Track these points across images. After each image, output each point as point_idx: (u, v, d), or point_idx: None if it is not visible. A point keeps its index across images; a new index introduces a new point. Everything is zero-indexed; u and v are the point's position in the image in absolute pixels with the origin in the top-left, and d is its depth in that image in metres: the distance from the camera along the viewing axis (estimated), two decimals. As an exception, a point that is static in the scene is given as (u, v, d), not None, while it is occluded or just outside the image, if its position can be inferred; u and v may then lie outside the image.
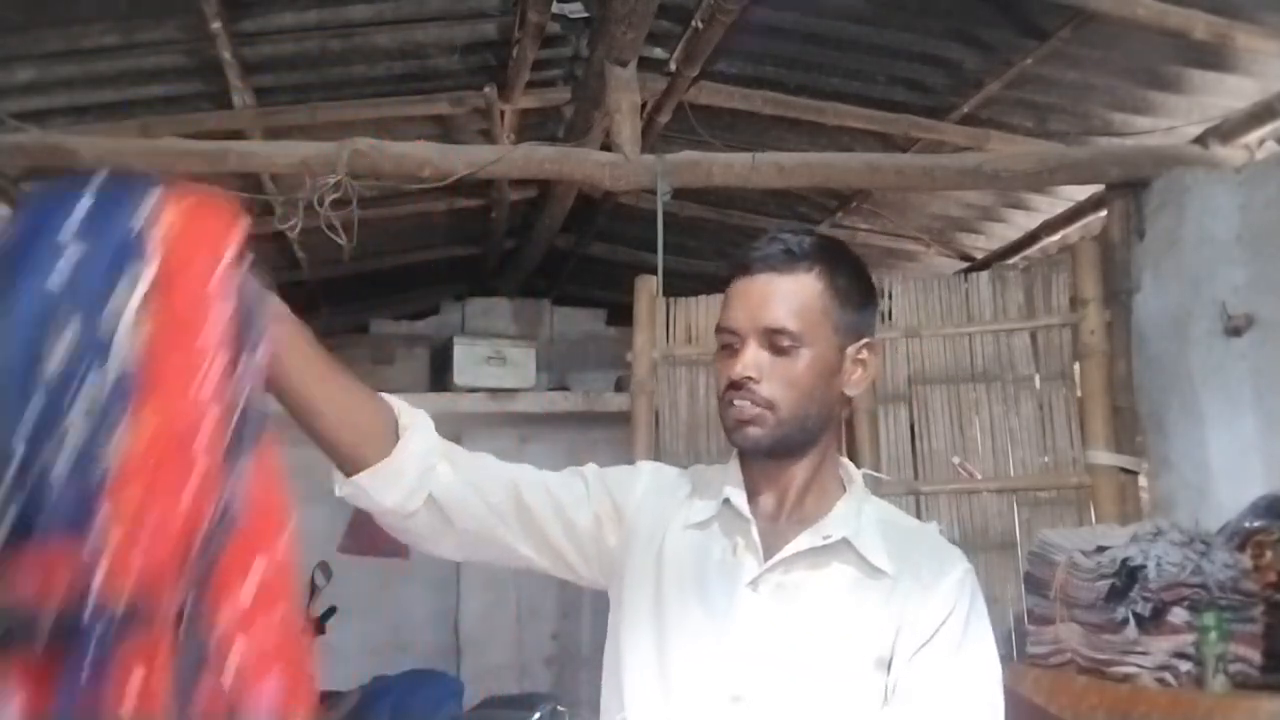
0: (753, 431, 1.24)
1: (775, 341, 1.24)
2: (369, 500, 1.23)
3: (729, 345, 1.27)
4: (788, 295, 1.25)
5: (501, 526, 1.33)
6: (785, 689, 1.20)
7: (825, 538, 1.25)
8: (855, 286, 1.29)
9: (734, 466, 1.34)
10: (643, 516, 1.34)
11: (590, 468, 1.40)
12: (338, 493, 1.24)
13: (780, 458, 1.28)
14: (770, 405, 1.23)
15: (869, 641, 1.21)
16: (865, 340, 1.30)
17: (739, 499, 1.29)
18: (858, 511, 1.28)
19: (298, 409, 1.16)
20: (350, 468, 1.22)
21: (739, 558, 1.27)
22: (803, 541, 1.25)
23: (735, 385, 1.24)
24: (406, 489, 1.24)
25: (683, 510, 1.33)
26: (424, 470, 1.26)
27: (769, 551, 1.26)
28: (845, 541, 1.25)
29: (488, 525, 1.32)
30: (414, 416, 1.27)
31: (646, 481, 1.38)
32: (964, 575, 1.26)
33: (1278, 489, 2.53)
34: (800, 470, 1.29)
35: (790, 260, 1.26)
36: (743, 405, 1.24)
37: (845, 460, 1.36)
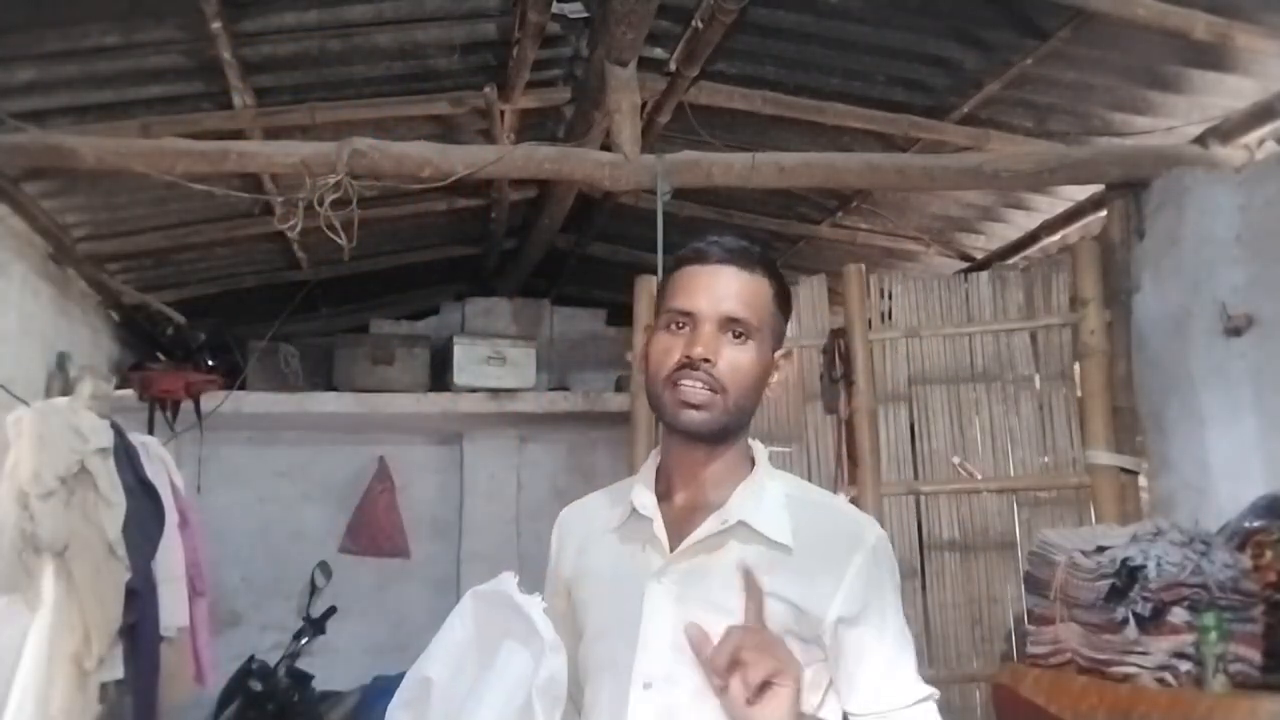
0: (700, 415, 1.30)
1: (732, 330, 1.31)
2: None
3: (678, 327, 1.33)
4: (746, 290, 1.33)
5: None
6: (690, 671, 1.25)
7: (724, 522, 1.32)
8: (786, 298, 1.39)
9: (648, 468, 1.42)
10: (565, 562, 1.46)
11: (546, 587, 1.48)
12: None
13: (711, 445, 1.34)
14: (723, 389, 1.30)
15: (774, 614, 1.26)
16: (785, 350, 1.40)
17: (642, 501, 1.37)
18: (759, 491, 1.35)
19: None
20: None
21: (646, 554, 1.34)
22: (702, 530, 1.32)
23: (690, 365, 1.29)
24: None
25: (599, 523, 1.42)
26: None
27: (675, 543, 1.33)
28: (743, 523, 1.31)
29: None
30: None
31: (558, 535, 1.50)
32: (871, 548, 1.32)
33: (1278, 489, 2.53)
34: (718, 459, 1.36)
35: (750, 260, 1.34)
36: (694, 386, 1.30)
37: (754, 442, 1.42)
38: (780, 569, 1.28)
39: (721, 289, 1.32)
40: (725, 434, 1.34)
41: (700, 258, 1.34)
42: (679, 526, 1.34)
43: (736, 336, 1.31)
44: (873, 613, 1.29)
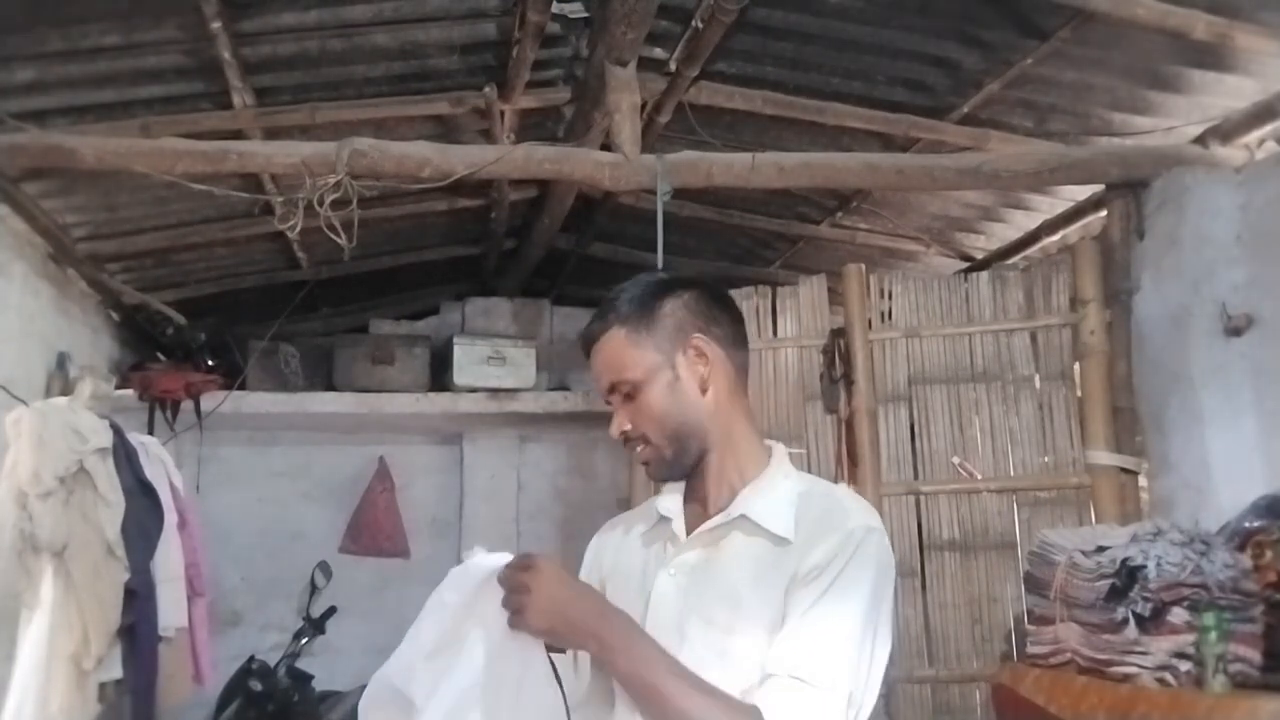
0: (654, 470, 1.44)
1: (621, 394, 1.41)
2: None
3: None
4: (604, 355, 1.42)
5: None
6: (695, 656, 1.30)
7: (726, 516, 1.38)
8: (640, 311, 1.42)
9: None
10: (603, 563, 1.52)
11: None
12: None
13: (680, 479, 1.45)
14: (649, 442, 1.41)
15: (768, 603, 1.30)
16: (691, 339, 1.41)
17: (666, 505, 1.45)
18: (768, 488, 1.39)
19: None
20: None
21: (665, 550, 1.42)
22: (707, 524, 1.39)
23: (623, 440, 1.44)
24: None
25: (633, 531, 1.51)
26: None
27: None
28: (745, 517, 1.37)
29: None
30: None
31: (597, 544, 1.57)
32: (852, 530, 1.32)
33: (1278, 489, 2.53)
34: (708, 470, 1.42)
35: (596, 328, 1.43)
36: (635, 453, 1.44)
37: (771, 443, 1.48)
38: (781, 560, 1.33)
39: (596, 370, 1.44)
40: (685, 463, 1.42)
41: (584, 350, 1.47)
42: (696, 526, 1.42)
43: (628, 396, 1.40)
44: (819, 582, 1.28)
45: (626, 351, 1.40)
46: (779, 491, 1.39)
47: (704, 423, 1.40)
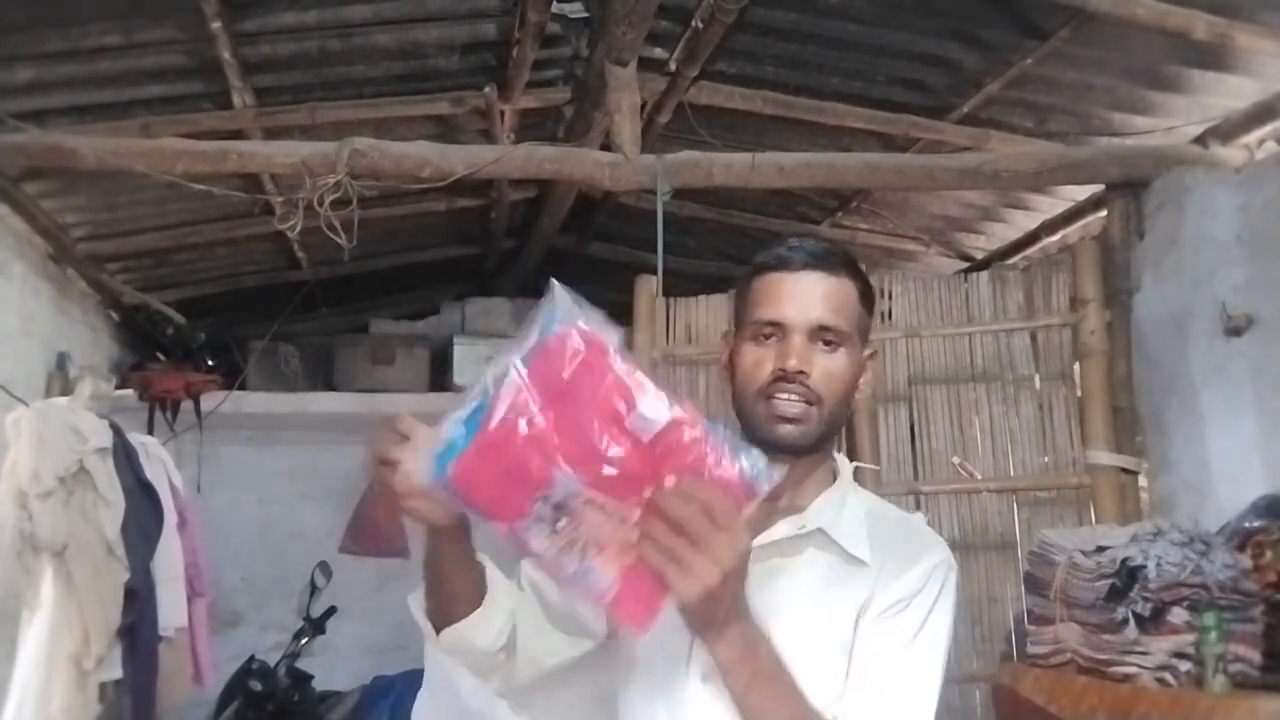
0: (795, 429, 1.26)
1: (822, 339, 1.27)
2: (468, 645, 1.29)
3: (766, 338, 1.28)
4: (833, 295, 1.29)
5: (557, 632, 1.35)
6: None
7: (801, 527, 1.28)
8: (870, 296, 1.35)
9: None
10: None
11: None
12: (438, 644, 1.32)
13: (801, 455, 1.29)
14: (818, 401, 1.27)
15: (837, 626, 1.23)
16: (872, 349, 1.36)
17: None
18: (841, 503, 1.31)
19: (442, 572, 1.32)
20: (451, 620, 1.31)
21: None
22: (778, 531, 1.28)
23: (784, 378, 1.25)
24: (497, 629, 1.29)
25: None
26: (508, 614, 1.32)
27: None
28: (822, 531, 1.27)
29: (550, 639, 1.35)
30: (494, 572, 1.33)
31: None
32: (937, 564, 1.28)
33: (1278, 489, 2.53)
34: (802, 467, 1.30)
35: (834, 263, 1.31)
36: (789, 400, 1.25)
37: (837, 455, 1.39)
38: (853, 581, 1.26)
39: (809, 296, 1.28)
40: (818, 444, 1.30)
41: (784, 264, 1.30)
42: (751, 527, 1.29)
43: (827, 344, 1.28)
44: (905, 626, 1.23)
45: (854, 306, 1.30)
46: (850, 508, 1.31)
47: (844, 422, 1.33)
